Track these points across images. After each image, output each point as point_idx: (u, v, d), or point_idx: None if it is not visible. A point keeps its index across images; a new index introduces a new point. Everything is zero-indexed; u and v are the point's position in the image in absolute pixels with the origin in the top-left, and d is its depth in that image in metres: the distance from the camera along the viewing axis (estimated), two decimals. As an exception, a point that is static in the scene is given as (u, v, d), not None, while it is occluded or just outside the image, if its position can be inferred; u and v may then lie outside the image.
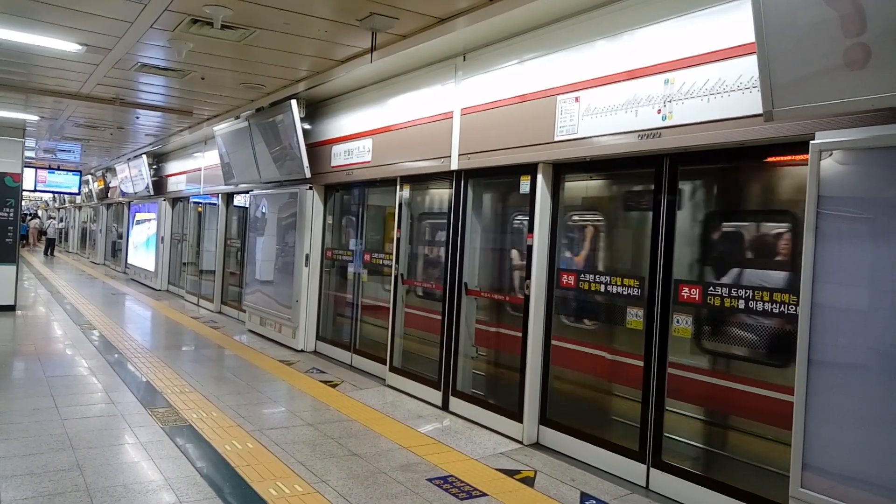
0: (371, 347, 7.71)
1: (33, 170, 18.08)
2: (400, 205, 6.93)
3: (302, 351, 8.63)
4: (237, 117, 9.72)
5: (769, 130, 3.59)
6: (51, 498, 3.77)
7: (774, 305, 3.71)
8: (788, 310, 3.64)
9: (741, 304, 3.87)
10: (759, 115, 3.57)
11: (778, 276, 3.96)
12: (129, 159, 17.14)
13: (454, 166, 6.03)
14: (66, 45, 6.53)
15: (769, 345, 3.97)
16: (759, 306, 3.78)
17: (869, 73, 2.81)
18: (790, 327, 3.64)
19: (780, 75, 3.16)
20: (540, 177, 5.19)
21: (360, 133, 7.59)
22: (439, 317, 6.25)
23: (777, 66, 3.16)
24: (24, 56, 7.12)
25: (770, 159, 4.00)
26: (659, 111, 4.21)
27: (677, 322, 4.27)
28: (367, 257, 7.86)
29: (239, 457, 4.60)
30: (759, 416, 4.12)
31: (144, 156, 15.89)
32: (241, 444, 4.88)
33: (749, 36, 3.43)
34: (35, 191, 19.61)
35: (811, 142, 3.28)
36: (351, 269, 8.23)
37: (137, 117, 10.95)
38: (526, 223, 5.37)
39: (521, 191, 5.37)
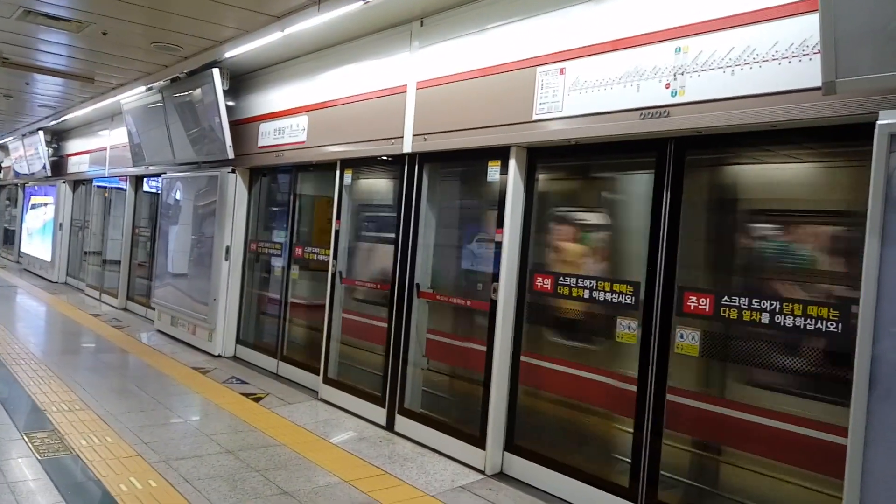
0: (302, 354, 6.77)
1: None
2: (340, 192, 6.03)
3: (220, 356, 7.57)
4: (149, 88, 8.50)
5: (816, 109, 2.95)
6: None
7: (809, 321, 3.10)
8: (827, 326, 3.04)
9: (765, 318, 3.24)
10: (803, 91, 2.98)
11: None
12: (23, 136, 15.32)
13: (407, 149, 5.20)
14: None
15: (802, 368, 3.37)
16: (789, 321, 3.16)
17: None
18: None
19: (849, 37, 2.52)
20: (512, 162, 4.43)
21: (294, 109, 6.63)
22: (384, 323, 5.41)
23: (845, 26, 2.53)
24: None
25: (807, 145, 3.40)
26: (667, 85, 3.52)
27: (681, 337, 3.61)
28: (298, 251, 6.90)
29: (137, 500, 3.62)
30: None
31: (41, 132, 14.18)
32: (140, 481, 3.89)
33: (800, -11, 2.79)
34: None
35: (878, 122, 2.63)
36: (279, 265, 7.25)
37: (28, 83, 9.51)
38: (493, 216, 4.60)
39: (489, 179, 4.60)
